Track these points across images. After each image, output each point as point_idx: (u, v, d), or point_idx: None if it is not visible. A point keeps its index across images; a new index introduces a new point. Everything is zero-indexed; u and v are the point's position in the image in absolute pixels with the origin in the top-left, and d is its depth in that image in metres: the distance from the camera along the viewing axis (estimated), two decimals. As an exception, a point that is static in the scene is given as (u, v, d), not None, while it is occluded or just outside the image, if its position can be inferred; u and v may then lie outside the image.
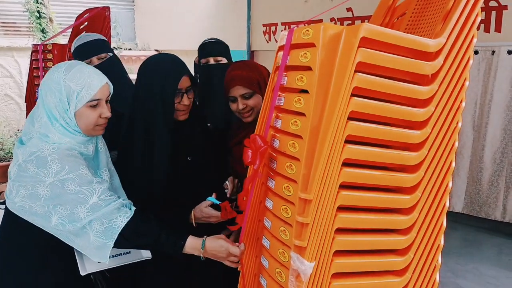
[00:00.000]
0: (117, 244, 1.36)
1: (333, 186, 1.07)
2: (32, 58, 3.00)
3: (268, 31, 5.52)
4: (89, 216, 1.33)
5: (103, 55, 2.04)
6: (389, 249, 1.16)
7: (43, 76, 2.94)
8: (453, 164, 1.19)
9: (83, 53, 2.02)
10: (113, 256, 1.49)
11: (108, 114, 1.47)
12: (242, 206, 1.32)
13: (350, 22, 4.45)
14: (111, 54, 2.07)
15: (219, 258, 1.43)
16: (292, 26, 1.20)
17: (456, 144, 1.18)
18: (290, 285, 1.11)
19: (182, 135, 1.72)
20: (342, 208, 1.09)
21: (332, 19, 4.61)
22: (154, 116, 1.62)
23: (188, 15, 6.87)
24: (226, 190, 1.70)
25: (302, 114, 1.11)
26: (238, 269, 1.44)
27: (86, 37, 2.07)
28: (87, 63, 1.99)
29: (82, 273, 1.46)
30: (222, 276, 1.73)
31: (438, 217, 1.19)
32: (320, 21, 5.06)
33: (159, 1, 7.45)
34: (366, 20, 4.39)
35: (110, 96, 1.50)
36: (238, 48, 6.01)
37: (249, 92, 1.72)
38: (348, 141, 1.07)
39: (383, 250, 1.16)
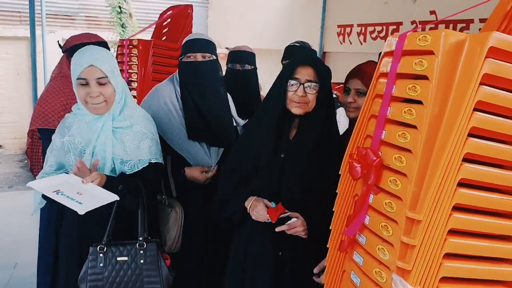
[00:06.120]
0: None
1: (445, 208, 0.98)
2: (118, 52, 3.10)
3: (342, 32, 5.39)
4: None
5: (207, 54, 2.06)
6: (505, 280, 1.05)
7: (127, 71, 3.04)
8: None
9: (189, 47, 2.07)
10: None
11: (94, 95, 1.60)
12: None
13: (433, 26, 4.22)
14: (215, 57, 2.10)
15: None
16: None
17: None
18: (388, 308, 1.04)
19: (287, 128, 1.68)
20: (453, 232, 1.00)
21: (413, 22, 4.40)
22: (267, 101, 1.71)
23: (261, 14, 6.89)
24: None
25: (413, 127, 1.03)
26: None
27: (198, 34, 2.13)
28: (191, 57, 2.05)
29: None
30: None
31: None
32: (400, 23, 4.85)
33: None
34: (451, 25, 4.15)
35: (103, 79, 1.61)
36: (309, 49, 5.93)
37: (363, 90, 1.67)
38: (465, 159, 0.98)
39: (497, 280, 1.05)
